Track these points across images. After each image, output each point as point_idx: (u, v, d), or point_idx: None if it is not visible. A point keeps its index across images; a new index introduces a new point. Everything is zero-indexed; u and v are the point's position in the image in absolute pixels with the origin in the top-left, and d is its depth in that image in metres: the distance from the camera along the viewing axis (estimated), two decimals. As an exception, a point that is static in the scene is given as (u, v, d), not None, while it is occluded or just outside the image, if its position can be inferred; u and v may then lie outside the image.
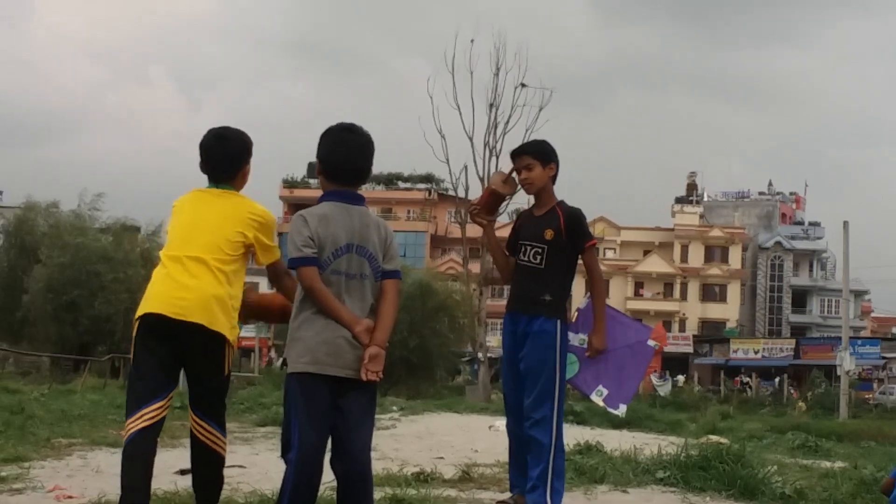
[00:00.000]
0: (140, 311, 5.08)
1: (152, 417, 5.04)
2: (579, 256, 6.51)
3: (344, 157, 4.99)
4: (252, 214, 5.30)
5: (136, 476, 4.99)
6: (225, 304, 5.11)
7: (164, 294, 5.09)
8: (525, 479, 6.28)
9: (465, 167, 43.64)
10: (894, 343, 77.26)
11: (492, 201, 6.80)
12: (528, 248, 6.41)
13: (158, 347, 5.04)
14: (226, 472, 6.35)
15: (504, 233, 6.99)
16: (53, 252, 42.44)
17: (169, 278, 5.14)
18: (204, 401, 5.24)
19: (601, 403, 6.77)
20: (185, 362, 5.19)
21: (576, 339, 6.55)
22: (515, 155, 6.63)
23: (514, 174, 6.52)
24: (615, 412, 6.92)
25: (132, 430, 5.01)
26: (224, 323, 5.09)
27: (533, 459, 6.17)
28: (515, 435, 6.48)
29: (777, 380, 71.90)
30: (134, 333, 5.10)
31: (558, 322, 6.27)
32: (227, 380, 5.45)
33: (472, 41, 46.55)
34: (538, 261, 6.36)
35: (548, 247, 6.34)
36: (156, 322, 5.02)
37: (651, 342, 6.93)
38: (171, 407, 5.28)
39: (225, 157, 5.45)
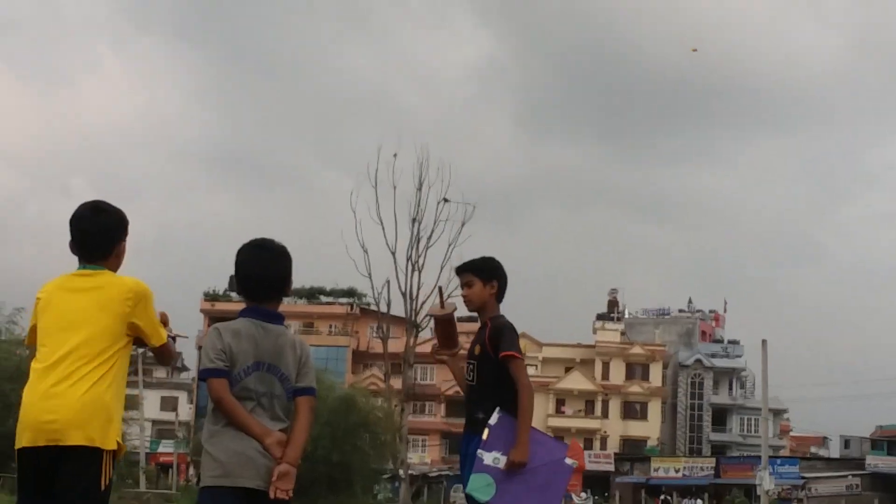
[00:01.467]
0: (17, 445, 5.08)
1: None
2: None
3: (257, 272, 5.19)
4: (128, 293, 5.18)
5: None
6: (104, 406, 5.04)
7: (31, 415, 5.05)
8: None
9: (388, 282, 45.91)
10: (813, 462, 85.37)
11: (441, 331, 7.16)
12: (466, 365, 6.91)
13: (33, 476, 5.04)
14: None
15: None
16: None
17: (37, 389, 5.10)
18: None
19: None
20: (62, 483, 4.97)
21: (488, 457, 6.57)
22: (458, 272, 7.18)
23: (442, 293, 7.44)
24: None
25: None
26: (98, 430, 5.00)
27: None
28: None
29: (697, 500, 76.07)
30: (18, 463, 5.16)
31: None
32: (102, 497, 5.18)
33: (395, 155, 49.74)
34: (471, 378, 6.83)
35: (477, 362, 6.76)
36: (24, 454, 5.04)
37: (568, 460, 7.08)
38: None
39: (99, 231, 5.34)
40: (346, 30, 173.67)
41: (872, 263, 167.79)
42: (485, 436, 6.59)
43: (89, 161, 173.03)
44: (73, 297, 5.14)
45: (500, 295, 6.88)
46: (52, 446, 4.84)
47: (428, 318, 43.39)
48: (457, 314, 7.27)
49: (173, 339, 5.73)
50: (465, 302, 6.99)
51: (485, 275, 6.80)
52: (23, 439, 4.95)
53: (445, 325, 7.10)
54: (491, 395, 6.61)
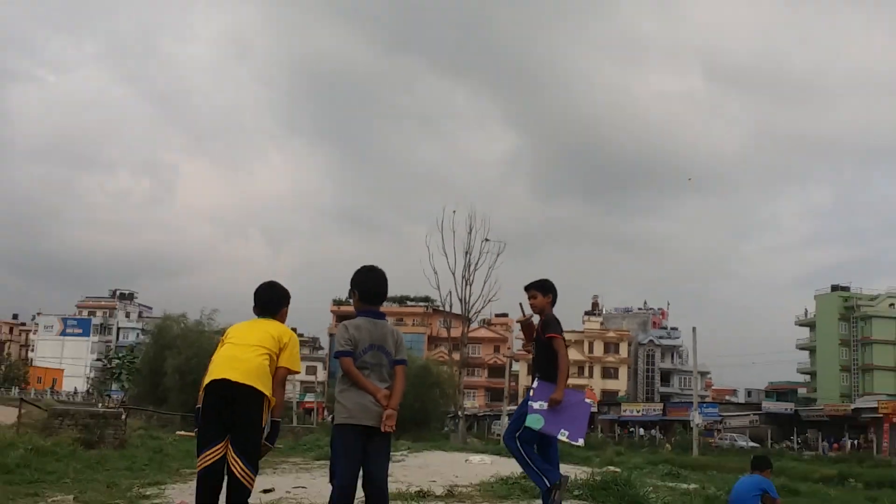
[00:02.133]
0: (205, 381, 5.94)
1: (215, 454, 5.85)
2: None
3: (370, 287, 6.34)
4: (284, 335, 6.19)
5: (207, 500, 5.87)
6: (267, 374, 5.98)
7: (222, 364, 5.99)
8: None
9: (450, 292, 48.93)
10: (727, 406, 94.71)
11: (525, 330, 8.29)
12: (533, 345, 8.16)
13: (218, 403, 5.87)
14: (285, 491, 8.91)
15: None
16: (182, 348, 46.05)
17: (224, 353, 6.08)
18: (244, 444, 5.88)
19: (566, 440, 7.78)
20: (234, 414, 5.85)
21: (536, 404, 7.68)
22: (526, 288, 8.06)
23: (522, 304, 8.05)
24: (576, 444, 8.02)
25: (203, 465, 5.87)
26: (265, 386, 5.93)
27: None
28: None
29: (652, 430, 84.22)
30: (203, 396, 5.89)
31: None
32: (262, 430, 6.03)
33: (454, 212, 53.51)
34: (534, 353, 8.13)
35: (536, 343, 8.05)
36: (214, 386, 5.88)
37: (587, 400, 8.28)
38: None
39: (272, 299, 6.43)
40: (421, 131, 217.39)
41: (766, 279, 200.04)
42: (531, 393, 7.88)
43: (260, 218, 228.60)
44: (252, 328, 6.25)
45: (553, 302, 7.99)
46: (232, 383, 5.78)
47: (477, 314, 52.48)
48: (534, 319, 8.10)
49: (276, 425, 6.22)
50: (532, 307, 8.04)
51: (545, 290, 7.97)
52: (213, 374, 5.89)
53: (527, 327, 8.13)
54: (543, 365, 7.86)
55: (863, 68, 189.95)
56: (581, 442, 7.76)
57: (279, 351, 6.02)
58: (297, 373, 6.30)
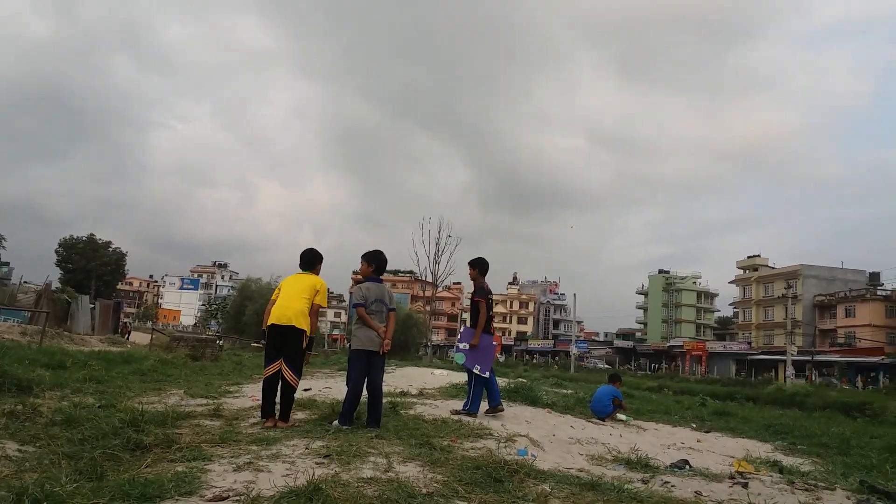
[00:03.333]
0: (266, 323, 5.86)
1: (274, 368, 5.85)
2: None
3: (380, 262, 6.24)
4: (318, 283, 6.06)
5: (268, 395, 5.88)
6: (306, 315, 5.89)
7: (276, 313, 5.88)
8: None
9: (426, 268, 45.26)
10: (593, 342, 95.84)
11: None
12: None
13: (274, 337, 5.84)
14: (318, 389, 8.59)
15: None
16: (257, 298, 45.25)
17: (278, 304, 5.93)
18: (292, 361, 5.85)
19: (477, 372, 7.31)
20: (285, 343, 5.80)
21: (461, 345, 7.43)
22: (469, 263, 7.61)
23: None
24: (484, 375, 7.35)
25: (266, 374, 5.88)
26: (304, 324, 5.87)
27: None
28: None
29: (547, 357, 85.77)
30: (266, 332, 5.89)
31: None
32: (303, 351, 5.92)
33: (430, 218, 58.12)
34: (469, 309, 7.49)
35: (469, 302, 7.62)
36: (272, 327, 5.84)
37: (494, 343, 7.69)
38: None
39: (311, 259, 6.26)
40: (411, 167, 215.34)
41: (620, 264, 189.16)
42: (459, 335, 7.81)
43: (309, 218, 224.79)
44: (298, 278, 6.12)
45: (483, 273, 7.57)
46: (284, 325, 5.81)
47: (442, 282, 47.01)
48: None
49: (311, 340, 6.08)
50: (470, 276, 7.58)
51: (476, 265, 7.53)
52: (271, 319, 5.86)
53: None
54: (471, 317, 7.54)
55: (681, 135, 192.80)
56: (487, 374, 7.35)
57: (315, 294, 5.99)
58: (326, 308, 6.24)
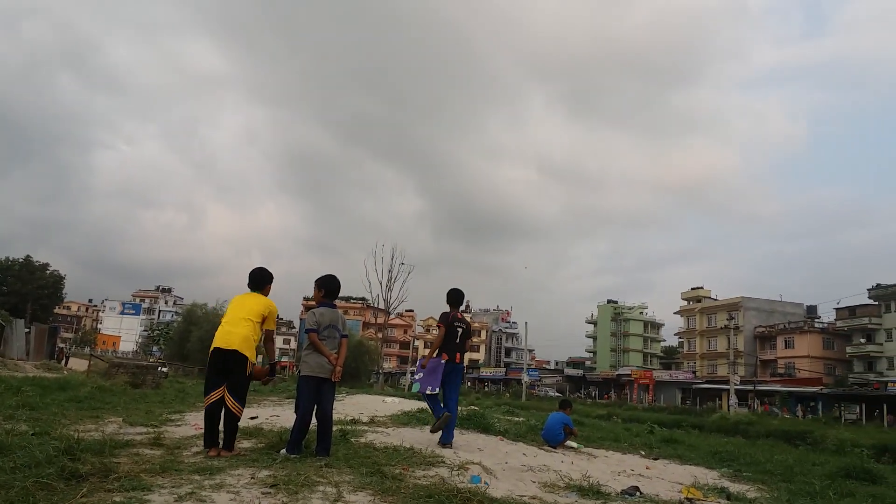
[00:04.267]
0: (211, 347, 5.71)
1: (216, 395, 5.67)
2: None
3: (332, 287, 6.16)
4: (267, 308, 5.91)
5: (211, 424, 5.68)
6: (250, 341, 5.71)
7: (220, 337, 5.72)
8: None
9: (378, 295, 44.92)
10: (543, 371, 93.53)
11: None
12: None
13: (217, 362, 5.67)
14: (265, 417, 8.63)
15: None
16: (203, 324, 44.34)
17: (222, 327, 5.75)
18: (235, 388, 5.67)
19: (429, 392, 7.41)
20: (228, 369, 5.63)
21: (417, 376, 7.59)
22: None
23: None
24: (433, 392, 7.40)
25: (208, 402, 5.69)
26: (248, 350, 5.71)
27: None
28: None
29: (498, 385, 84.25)
30: (209, 357, 5.73)
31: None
32: (247, 379, 5.76)
33: (382, 245, 58.00)
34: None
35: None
36: (216, 351, 5.67)
37: (442, 361, 7.48)
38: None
39: (260, 278, 6.09)
40: (363, 194, 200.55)
41: (570, 294, 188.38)
42: (416, 365, 7.91)
43: (258, 242, 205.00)
44: (245, 299, 5.94)
45: (450, 303, 7.76)
46: (227, 350, 5.65)
47: (394, 309, 47.06)
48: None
49: (273, 366, 6.23)
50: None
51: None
52: (214, 343, 5.71)
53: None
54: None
55: (626, 171, 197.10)
56: (436, 391, 7.41)
57: (264, 319, 5.84)
58: (275, 331, 6.05)
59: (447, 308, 7.73)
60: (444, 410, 7.40)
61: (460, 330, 7.68)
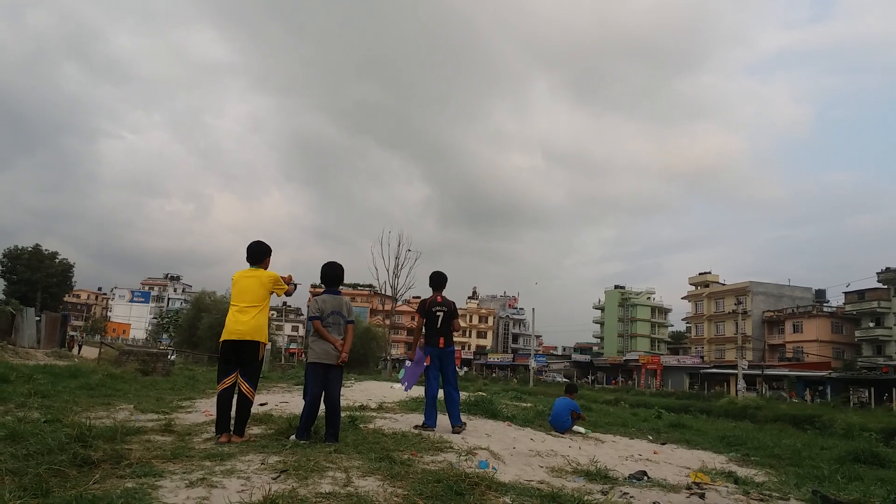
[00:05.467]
0: (221, 338, 5.79)
1: (229, 381, 5.71)
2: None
3: (332, 275, 6.08)
4: (270, 277, 5.95)
5: (223, 409, 5.66)
6: (261, 326, 5.77)
7: (229, 328, 5.75)
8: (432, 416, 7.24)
9: (385, 282, 45.65)
10: (551, 356, 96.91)
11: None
12: None
13: (228, 352, 5.76)
14: (275, 404, 8.33)
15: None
16: (212, 312, 43.93)
17: (230, 318, 5.76)
18: (248, 373, 5.74)
19: (404, 389, 7.68)
20: (241, 357, 5.72)
21: (408, 363, 7.57)
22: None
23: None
24: (408, 391, 8.03)
25: (221, 388, 5.70)
26: (260, 335, 5.77)
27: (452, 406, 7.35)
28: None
29: (506, 371, 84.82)
30: (220, 346, 5.83)
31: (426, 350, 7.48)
32: (260, 363, 5.87)
33: (389, 232, 67.21)
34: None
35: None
36: (226, 343, 5.75)
37: (426, 364, 7.44)
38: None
39: (259, 251, 6.04)
40: (370, 182, 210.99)
41: (577, 280, 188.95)
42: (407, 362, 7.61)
43: (265, 231, 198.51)
44: (248, 277, 5.91)
45: (433, 286, 7.63)
46: (237, 340, 5.70)
47: (401, 295, 48.00)
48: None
49: (294, 285, 6.26)
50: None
51: (431, 282, 7.58)
52: (225, 335, 5.76)
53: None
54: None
55: (632, 158, 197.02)
56: (410, 390, 7.43)
57: (269, 295, 5.95)
58: (286, 287, 6.10)
59: (441, 294, 7.69)
60: (435, 419, 7.36)
61: (441, 314, 7.53)
